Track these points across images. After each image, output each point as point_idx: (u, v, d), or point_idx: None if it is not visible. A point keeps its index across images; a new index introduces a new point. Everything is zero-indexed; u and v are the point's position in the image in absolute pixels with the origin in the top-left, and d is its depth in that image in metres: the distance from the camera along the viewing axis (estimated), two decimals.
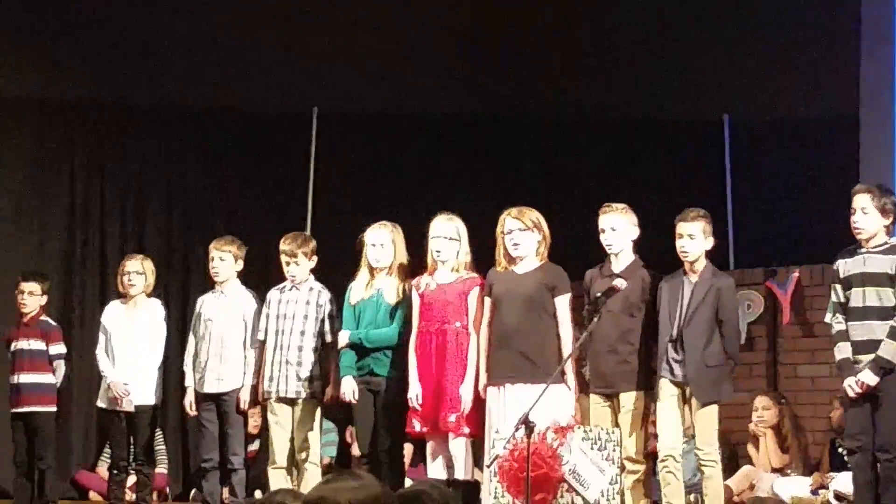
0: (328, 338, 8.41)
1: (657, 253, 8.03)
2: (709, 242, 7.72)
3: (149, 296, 9.25)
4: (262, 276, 9.52)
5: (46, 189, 11.25)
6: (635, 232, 7.84)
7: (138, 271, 9.18)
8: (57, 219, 11.24)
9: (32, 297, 9.49)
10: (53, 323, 9.66)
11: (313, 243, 8.60)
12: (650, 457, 7.96)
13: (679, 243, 7.69)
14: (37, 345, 9.44)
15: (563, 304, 7.78)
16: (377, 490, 3.35)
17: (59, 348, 9.50)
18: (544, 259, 7.87)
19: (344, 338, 8.20)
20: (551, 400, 7.31)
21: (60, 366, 9.49)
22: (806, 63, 10.82)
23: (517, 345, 7.71)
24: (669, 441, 7.66)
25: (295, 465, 8.43)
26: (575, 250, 8.52)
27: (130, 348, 9.12)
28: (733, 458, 9.54)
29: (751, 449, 9.65)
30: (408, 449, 8.94)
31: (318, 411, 8.48)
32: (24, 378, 9.38)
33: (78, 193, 11.29)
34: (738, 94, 11.07)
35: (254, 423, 10.26)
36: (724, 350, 7.62)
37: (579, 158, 11.40)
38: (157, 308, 9.26)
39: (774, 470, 9.47)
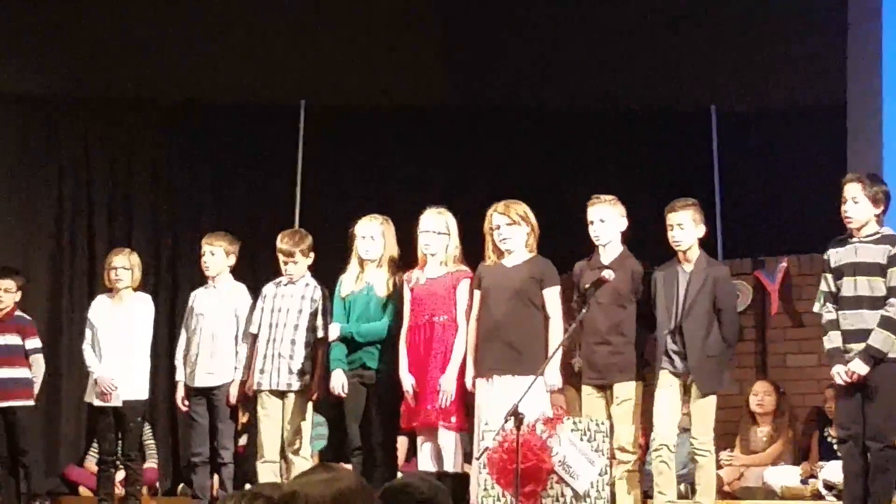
0: (320, 333, 8.41)
1: (646, 244, 8.04)
2: (700, 231, 7.74)
3: (136, 290, 9.24)
4: (249, 269, 9.49)
5: (33, 185, 11.20)
6: (623, 223, 7.87)
7: (125, 266, 9.14)
8: (45, 215, 11.18)
9: (7, 295, 9.48)
10: (28, 318, 9.64)
11: (309, 240, 8.57)
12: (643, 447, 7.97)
13: (670, 234, 7.72)
14: (12, 340, 9.42)
15: (551, 296, 7.78)
16: (349, 483, 3.27)
17: (34, 343, 9.48)
18: (533, 251, 7.88)
19: (335, 331, 8.19)
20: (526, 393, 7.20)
21: (38, 360, 9.48)
22: (793, 52, 10.81)
23: (505, 337, 7.71)
24: (664, 431, 7.67)
25: (285, 458, 8.43)
26: (564, 242, 8.52)
27: (117, 343, 9.08)
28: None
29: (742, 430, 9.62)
30: (402, 443, 8.93)
31: (309, 405, 8.48)
32: (1, 373, 9.37)
33: (65, 189, 11.24)
34: (725, 84, 11.07)
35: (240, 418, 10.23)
36: (723, 337, 7.63)
37: (567, 150, 11.39)
38: (144, 302, 9.23)
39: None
